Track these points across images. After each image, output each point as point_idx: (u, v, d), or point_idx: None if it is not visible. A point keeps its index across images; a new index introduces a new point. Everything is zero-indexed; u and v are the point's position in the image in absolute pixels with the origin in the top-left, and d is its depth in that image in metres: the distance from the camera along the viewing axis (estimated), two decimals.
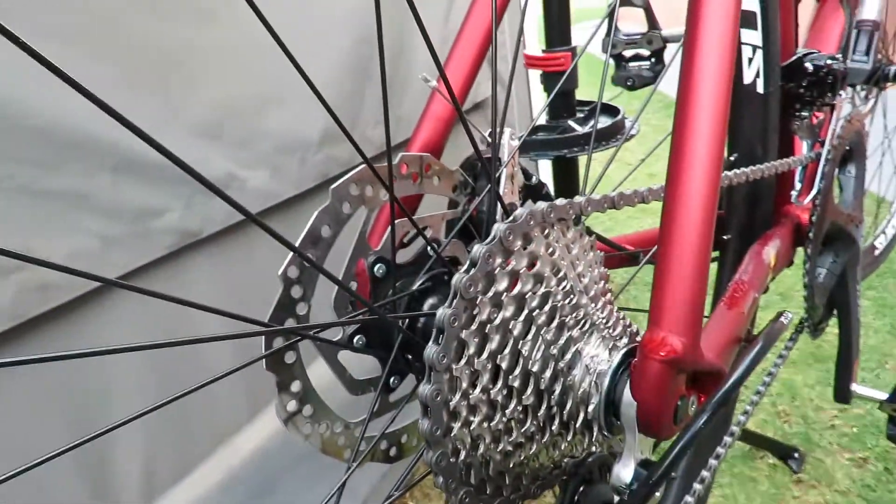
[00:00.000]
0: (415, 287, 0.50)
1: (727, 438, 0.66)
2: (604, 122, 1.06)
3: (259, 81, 0.93)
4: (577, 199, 0.44)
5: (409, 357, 0.49)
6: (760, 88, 0.66)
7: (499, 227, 0.38)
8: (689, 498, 0.59)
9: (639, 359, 0.36)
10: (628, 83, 0.86)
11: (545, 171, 1.64)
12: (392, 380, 0.49)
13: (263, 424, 1.03)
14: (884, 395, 0.86)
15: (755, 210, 0.73)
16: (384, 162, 0.45)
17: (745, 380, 0.33)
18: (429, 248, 0.51)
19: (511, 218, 0.40)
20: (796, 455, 1.37)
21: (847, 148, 0.78)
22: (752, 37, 0.63)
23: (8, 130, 0.63)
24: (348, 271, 0.50)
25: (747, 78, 0.65)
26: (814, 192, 0.71)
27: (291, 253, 0.43)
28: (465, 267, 0.38)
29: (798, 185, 0.72)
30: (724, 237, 0.75)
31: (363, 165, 0.46)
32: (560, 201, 0.42)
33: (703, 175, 0.37)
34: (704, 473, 0.61)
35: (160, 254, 0.82)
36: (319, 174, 1.07)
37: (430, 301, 0.50)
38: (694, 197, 0.37)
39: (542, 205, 0.41)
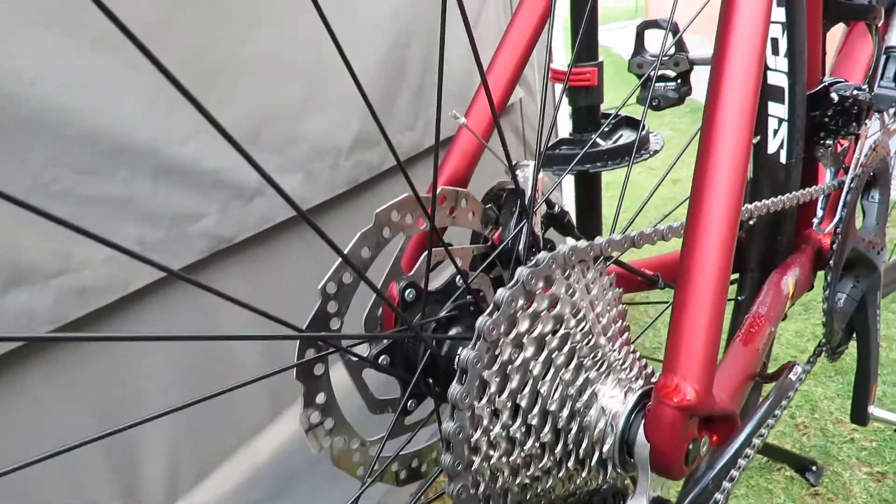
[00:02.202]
0: (442, 314, 0.52)
1: (749, 451, 0.66)
2: (628, 136, 1.07)
3: (297, 87, 0.95)
4: (598, 240, 0.46)
5: (430, 381, 0.51)
6: (783, 159, 0.68)
7: (521, 272, 0.40)
8: None
9: (653, 403, 0.38)
10: (653, 103, 0.87)
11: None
12: (410, 403, 0.52)
13: (283, 426, 1.06)
14: None
15: (776, 237, 0.74)
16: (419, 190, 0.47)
17: (755, 434, 0.35)
18: (458, 278, 0.53)
19: (533, 262, 0.41)
20: (814, 468, 1.37)
21: (871, 174, 0.78)
22: (779, 110, 0.66)
23: (53, 135, 0.65)
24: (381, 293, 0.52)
25: (771, 147, 0.68)
26: (836, 220, 0.71)
27: (333, 268, 0.45)
28: (489, 310, 0.40)
29: (820, 213, 0.72)
30: (745, 261, 0.76)
31: (407, 193, 0.48)
32: (581, 244, 0.44)
33: (719, 230, 0.38)
34: (726, 484, 0.62)
35: (195, 258, 0.84)
36: (350, 179, 1.09)
37: (455, 329, 0.52)
38: (710, 251, 0.38)
39: (563, 248, 0.43)
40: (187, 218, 0.83)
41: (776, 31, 0.64)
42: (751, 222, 0.69)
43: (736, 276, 0.80)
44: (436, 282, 0.55)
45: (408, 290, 0.51)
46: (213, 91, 0.84)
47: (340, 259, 0.47)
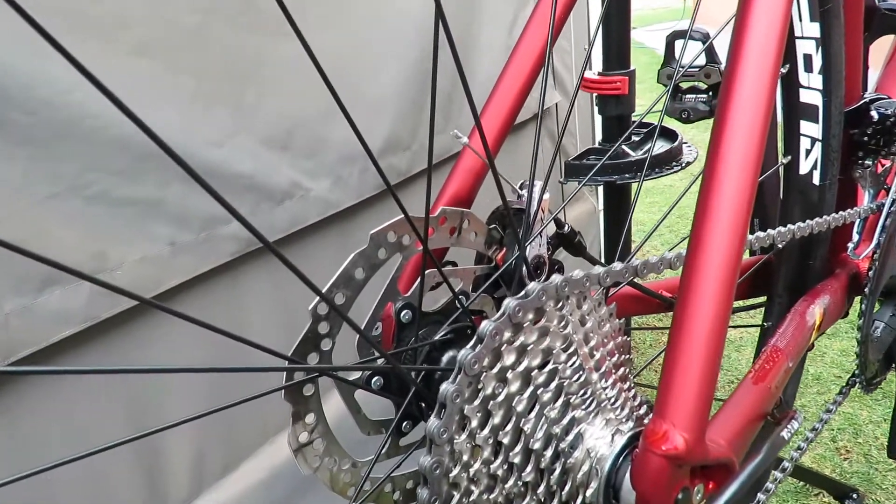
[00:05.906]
0: (436, 337, 0.51)
1: (778, 474, 0.63)
2: (660, 146, 1.04)
3: (326, 94, 0.95)
4: (596, 270, 0.44)
5: (423, 405, 0.50)
6: (816, 180, 0.64)
7: (508, 304, 0.39)
8: None
9: (640, 450, 0.36)
10: (683, 115, 0.83)
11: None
12: (404, 424, 0.51)
13: None
14: None
15: (807, 261, 0.70)
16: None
17: (746, 488, 0.32)
18: (456, 300, 0.52)
19: (522, 293, 0.40)
20: (854, 496, 1.31)
21: None
22: (812, 129, 0.62)
23: (89, 140, 0.67)
24: (375, 314, 0.52)
25: (803, 168, 0.65)
26: (873, 245, 0.67)
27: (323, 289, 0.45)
28: (472, 342, 0.38)
29: (856, 237, 0.68)
30: (772, 286, 0.72)
31: (402, 216, 0.47)
32: (577, 274, 0.42)
33: (718, 267, 0.36)
34: None
35: (224, 260, 0.86)
36: (379, 184, 1.10)
37: (450, 353, 0.51)
38: (708, 289, 0.36)
39: (557, 279, 0.41)
40: (217, 221, 0.84)
41: (810, 46, 0.60)
42: (780, 245, 0.66)
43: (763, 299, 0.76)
44: (438, 301, 0.54)
45: (403, 312, 0.50)
46: (246, 96, 0.85)
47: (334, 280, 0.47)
